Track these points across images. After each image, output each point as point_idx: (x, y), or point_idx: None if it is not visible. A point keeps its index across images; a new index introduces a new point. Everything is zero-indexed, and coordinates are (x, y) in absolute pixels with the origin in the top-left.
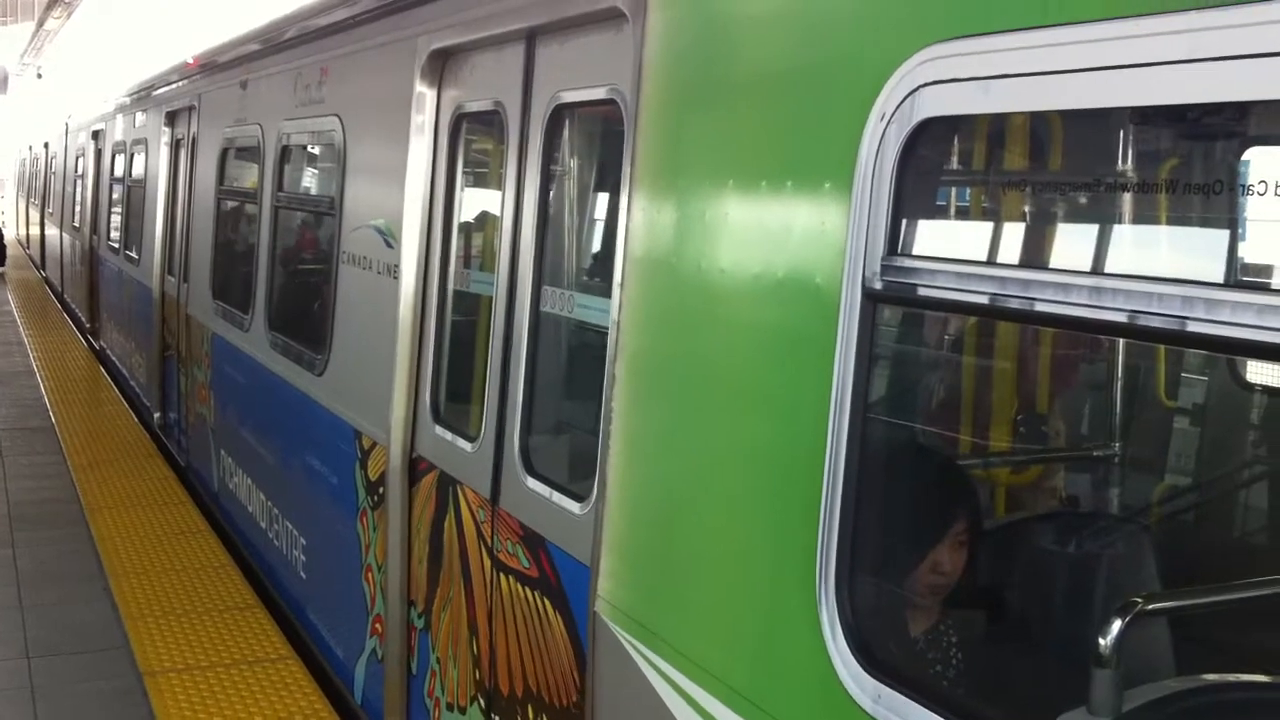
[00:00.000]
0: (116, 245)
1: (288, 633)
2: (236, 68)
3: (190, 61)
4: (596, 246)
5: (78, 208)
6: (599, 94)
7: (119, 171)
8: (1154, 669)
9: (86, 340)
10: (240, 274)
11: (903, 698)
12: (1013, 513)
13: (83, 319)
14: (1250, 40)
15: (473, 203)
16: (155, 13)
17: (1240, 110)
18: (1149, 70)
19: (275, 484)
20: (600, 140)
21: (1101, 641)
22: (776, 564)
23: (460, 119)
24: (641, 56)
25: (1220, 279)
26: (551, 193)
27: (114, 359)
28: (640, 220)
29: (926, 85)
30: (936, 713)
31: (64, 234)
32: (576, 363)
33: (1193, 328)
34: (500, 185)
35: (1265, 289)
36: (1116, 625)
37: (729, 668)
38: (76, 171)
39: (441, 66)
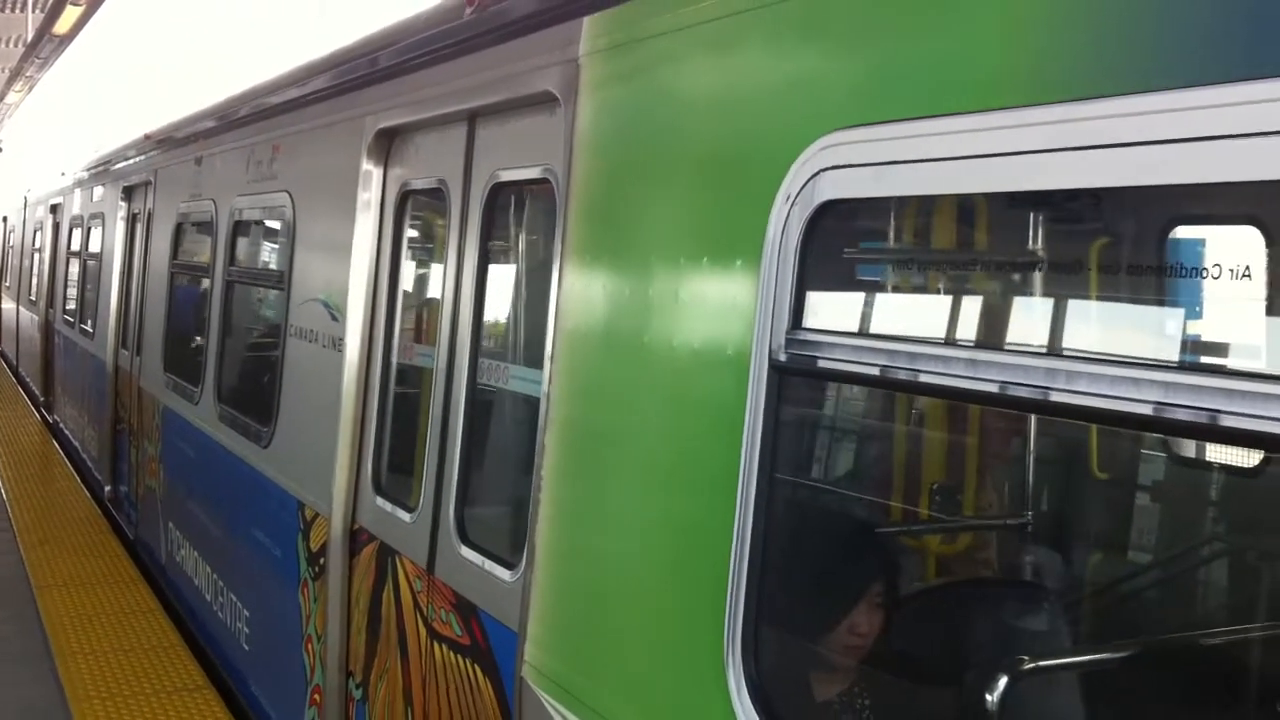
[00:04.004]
0: (72, 319)
1: (235, 711)
2: (192, 144)
3: (147, 137)
4: (531, 320)
5: (34, 281)
6: (534, 173)
7: (76, 245)
8: None
9: (40, 414)
10: (191, 347)
11: None
12: (919, 576)
13: (37, 393)
14: (1104, 131)
15: (416, 278)
16: (116, 88)
17: (1098, 195)
18: (1019, 159)
19: (221, 556)
20: (536, 218)
21: (988, 697)
22: (689, 628)
23: (405, 196)
24: (572, 138)
25: (1080, 352)
26: (490, 268)
27: (67, 433)
28: (569, 294)
29: (826, 170)
30: None
31: (20, 307)
32: (511, 434)
33: (1054, 397)
34: (442, 261)
35: (1119, 362)
36: (1002, 682)
37: None
38: (34, 245)
39: (388, 145)
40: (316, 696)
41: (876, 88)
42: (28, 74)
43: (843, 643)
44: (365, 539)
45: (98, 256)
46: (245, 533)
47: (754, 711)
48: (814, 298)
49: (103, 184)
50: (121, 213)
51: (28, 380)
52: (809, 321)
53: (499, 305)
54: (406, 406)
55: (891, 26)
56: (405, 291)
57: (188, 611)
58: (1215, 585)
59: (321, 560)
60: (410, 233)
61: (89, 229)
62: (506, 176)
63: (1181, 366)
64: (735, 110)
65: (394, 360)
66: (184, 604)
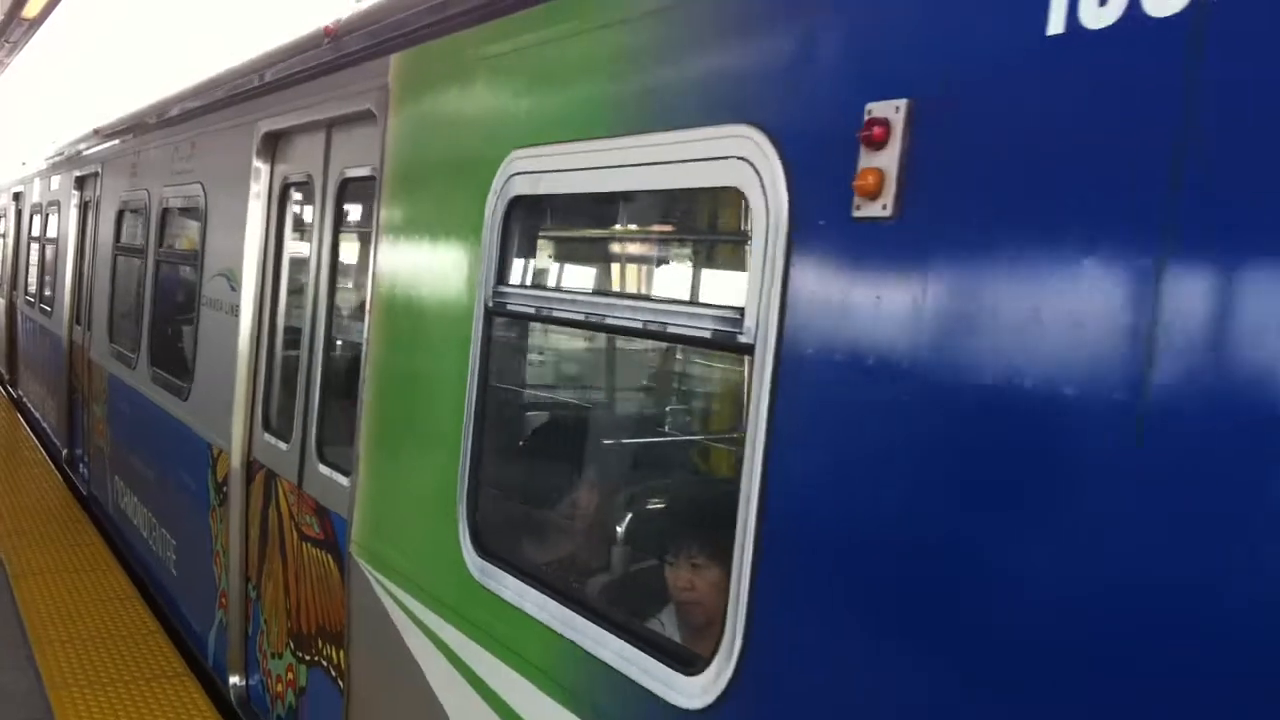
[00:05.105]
0: (33, 300)
1: (214, 698)
2: (131, 138)
3: (96, 131)
4: (363, 285)
5: None
6: (366, 171)
7: (37, 231)
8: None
9: (6, 390)
10: (130, 320)
11: (495, 568)
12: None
13: (2, 370)
14: (629, 154)
15: (294, 254)
16: (84, 75)
17: (655, 195)
18: (592, 172)
19: (154, 497)
20: (369, 206)
21: (618, 529)
22: (443, 499)
23: (287, 187)
24: (383, 146)
25: (629, 292)
26: (340, 245)
27: (30, 405)
28: (380, 263)
29: (514, 175)
30: (516, 576)
31: None
32: (353, 374)
33: (608, 321)
34: (309, 240)
35: (636, 296)
36: (627, 518)
37: (415, 571)
38: None
39: (274, 145)
40: (224, 600)
41: (536, 120)
42: None
43: (563, 512)
44: (257, 468)
45: (55, 241)
46: (171, 474)
47: (472, 550)
48: (509, 262)
49: (59, 174)
50: (75, 200)
51: None
52: (505, 278)
53: (344, 274)
54: (289, 359)
55: (545, 79)
56: (287, 265)
57: (130, 551)
58: None
59: (225, 489)
60: (290, 217)
61: (48, 215)
62: (351, 174)
63: (674, 301)
64: (471, 129)
65: (279, 322)
66: (127, 544)
